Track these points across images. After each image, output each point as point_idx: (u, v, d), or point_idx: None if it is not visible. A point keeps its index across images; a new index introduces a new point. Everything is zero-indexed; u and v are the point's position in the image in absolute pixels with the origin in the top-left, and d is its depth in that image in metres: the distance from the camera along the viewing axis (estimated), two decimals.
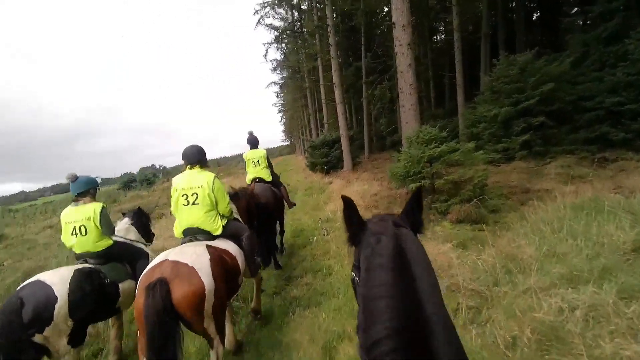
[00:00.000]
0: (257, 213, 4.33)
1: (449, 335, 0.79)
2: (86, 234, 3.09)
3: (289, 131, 63.06)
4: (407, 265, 0.90)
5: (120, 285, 3.16)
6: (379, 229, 1.06)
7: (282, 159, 60.10)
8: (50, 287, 2.55)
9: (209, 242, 2.77)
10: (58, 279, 2.63)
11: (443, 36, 21.87)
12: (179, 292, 2.14)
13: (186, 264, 2.28)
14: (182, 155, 3.07)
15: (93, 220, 3.10)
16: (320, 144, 16.87)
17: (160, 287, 2.08)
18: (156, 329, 1.99)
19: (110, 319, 3.43)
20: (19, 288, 2.59)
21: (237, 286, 2.90)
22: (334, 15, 15.82)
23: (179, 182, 2.93)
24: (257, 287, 3.73)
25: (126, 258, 3.40)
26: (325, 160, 16.34)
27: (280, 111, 54.61)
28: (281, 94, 44.78)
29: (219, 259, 2.54)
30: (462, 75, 13.17)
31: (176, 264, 2.27)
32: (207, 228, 2.90)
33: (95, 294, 2.82)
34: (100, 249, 3.16)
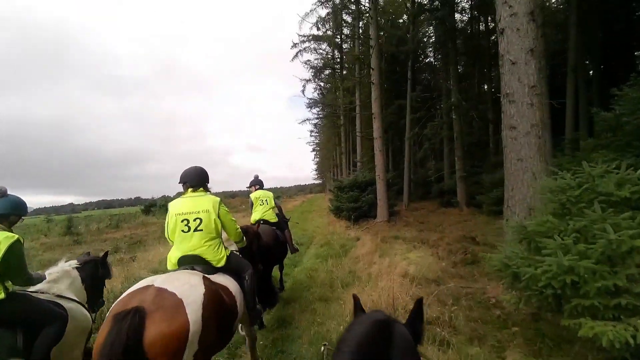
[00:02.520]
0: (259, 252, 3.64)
1: None
2: None
3: (321, 170, 60.64)
4: (388, 343, 0.79)
5: None
6: (371, 312, 1.00)
7: (311, 197, 56.84)
8: None
9: (207, 275, 2.27)
10: None
11: None
12: (155, 330, 1.59)
13: (174, 294, 1.78)
14: (181, 177, 2.69)
15: None
16: (350, 185, 13.22)
17: (132, 320, 1.56)
18: None
19: None
20: None
21: (231, 334, 2.36)
22: (378, 35, 12.99)
23: (178, 207, 2.53)
24: (251, 348, 2.93)
25: (23, 320, 2.16)
26: (354, 205, 12.58)
27: (313, 150, 52.73)
28: (315, 132, 42.83)
29: (215, 296, 2.03)
30: None
31: (162, 292, 1.77)
32: (209, 257, 2.47)
33: None
34: None
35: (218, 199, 2.60)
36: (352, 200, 12.68)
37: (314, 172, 68.86)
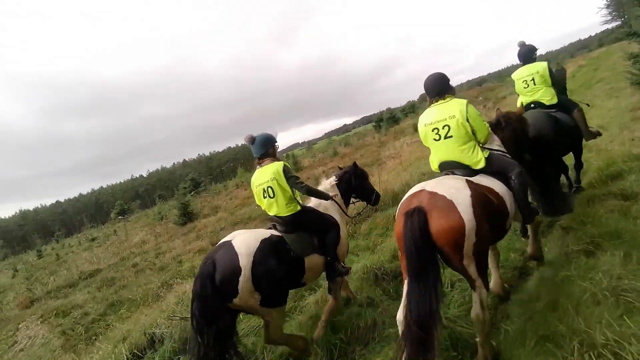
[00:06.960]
0: (530, 146, 3.19)
1: None
2: (274, 196, 2.84)
3: (614, 3, 36.14)
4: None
5: (306, 260, 2.80)
6: None
7: (598, 53, 35.06)
8: (237, 255, 2.39)
9: (470, 178, 2.37)
10: (245, 249, 2.44)
11: None
12: (437, 224, 1.97)
13: (444, 197, 2.05)
14: (424, 89, 2.66)
15: (278, 181, 2.82)
16: None
17: (418, 216, 1.97)
18: (414, 255, 1.94)
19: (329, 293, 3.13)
20: (218, 244, 2.56)
21: (504, 231, 2.47)
22: None
23: (427, 117, 2.60)
24: (533, 232, 2.92)
25: (313, 228, 2.97)
26: None
27: None
28: None
29: (482, 197, 2.15)
30: None
31: (434, 195, 2.08)
32: (466, 162, 2.47)
33: (280, 269, 2.53)
34: (288, 214, 2.86)
35: (465, 101, 2.49)
36: None
37: (603, 10, 41.96)
